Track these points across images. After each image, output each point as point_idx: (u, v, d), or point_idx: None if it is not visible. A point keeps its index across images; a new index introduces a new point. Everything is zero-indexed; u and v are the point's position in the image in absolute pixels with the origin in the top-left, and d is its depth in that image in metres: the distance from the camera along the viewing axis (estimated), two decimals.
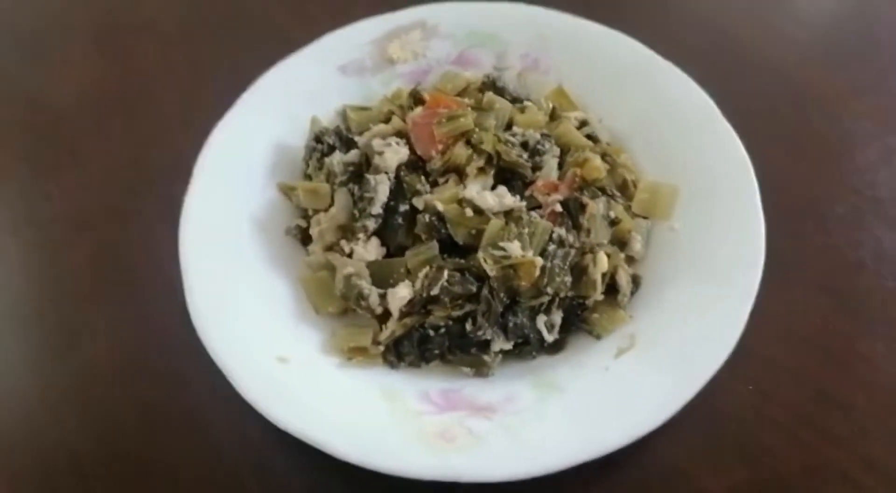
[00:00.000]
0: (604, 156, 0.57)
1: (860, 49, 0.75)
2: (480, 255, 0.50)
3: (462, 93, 0.62)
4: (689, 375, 0.47)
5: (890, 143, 0.67)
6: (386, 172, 0.54)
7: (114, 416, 0.53)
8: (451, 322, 0.51)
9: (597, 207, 0.53)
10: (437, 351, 0.52)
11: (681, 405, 0.46)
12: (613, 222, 0.55)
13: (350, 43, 0.64)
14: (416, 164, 0.56)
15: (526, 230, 0.51)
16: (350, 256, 0.54)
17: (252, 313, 0.51)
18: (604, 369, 0.49)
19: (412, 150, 0.56)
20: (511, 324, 0.51)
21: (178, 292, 0.51)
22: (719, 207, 0.54)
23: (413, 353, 0.51)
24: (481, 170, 0.54)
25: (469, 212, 0.52)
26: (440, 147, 0.55)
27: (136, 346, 0.56)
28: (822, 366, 0.55)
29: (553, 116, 0.60)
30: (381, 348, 0.52)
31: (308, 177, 0.59)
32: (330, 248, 0.56)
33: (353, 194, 0.55)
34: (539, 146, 0.55)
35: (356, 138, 0.58)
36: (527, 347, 0.52)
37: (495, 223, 0.51)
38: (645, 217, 0.57)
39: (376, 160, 0.54)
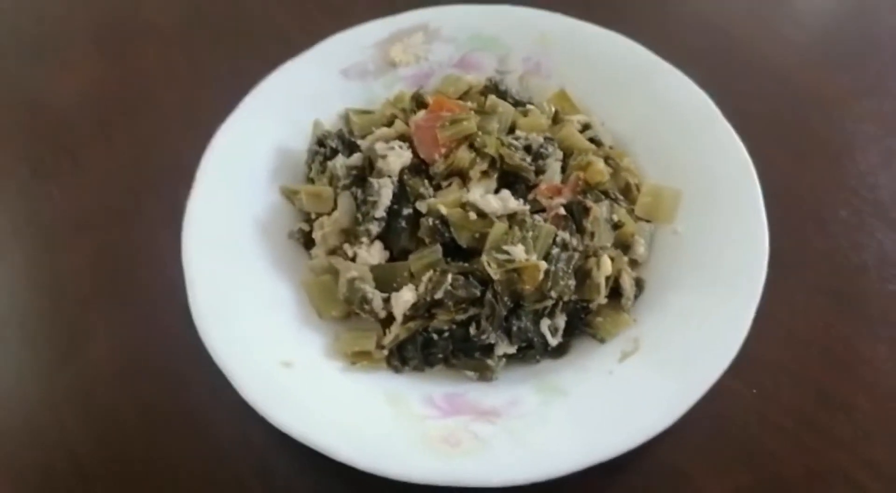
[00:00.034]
0: (606, 159, 0.57)
1: (860, 51, 0.75)
2: (484, 258, 0.50)
3: (464, 96, 0.62)
4: (693, 379, 0.47)
5: (891, 145, 0.67)
6: (389, 176, 0.54)
7: (115, 418, 0.53)
8: (454, 326, 0.51)
9: (600, 210, 0.53)
10: (440, 355, 0.52)
11: (685, 410, 0.46)
12: (616, 226, 0.55)
13: (352, 46, 0.64)
14: (419, 167, 0.56)
15: (530, 234, 0.51)
16: (353, 259, 0.54)
17: (255, 317, 0.51)
18: (607, 373, 0.49)
19: (415, 153, 0.56)
20: (515, 328, 0.51)
21: (180, 295, 0.51)
22: (722, 211, 0.54)
23: (417, 357, 0.51)
24: (485, 173, 0.54)
25: (472, 215, 0.52)
26: (443, 151, 0.54)
27: (137, 348, 0.56)
28: (824, 369, 0.55)
29: (556, 120, 0.60)
30: (385, 352, 0.52)
31: (311, 180, 0.59)
32: (333, 251, 0.55)
33: (356, 198, 0.55)
34: (542, 150, 0.55)
35: (359, 142, 0.58)
36: (530, 351, 0.52)
37: (499, 227, 0.51)
38: (648, 221, 0.57)
39: (379, 164, 0.54)
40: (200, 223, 0.53)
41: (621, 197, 0.57)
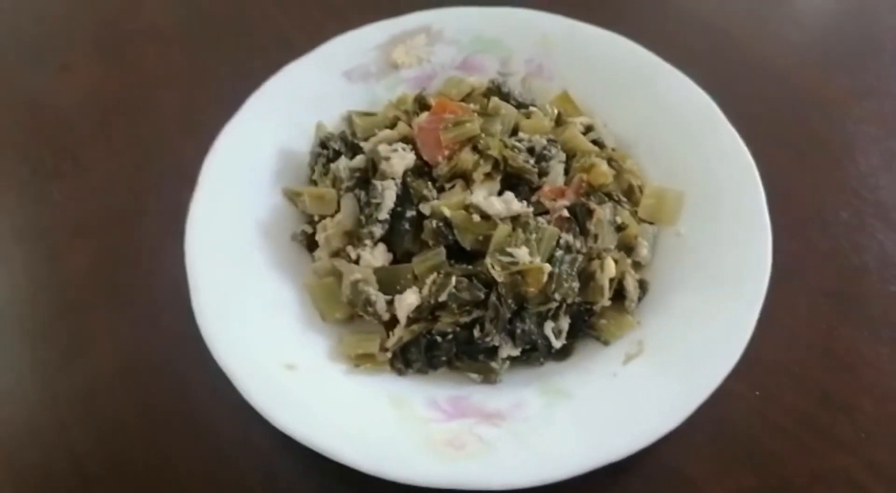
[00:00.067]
0: (609, 161, 0.57)
1: (861, 52, 0.76)
2: (488, 261, 0.50)
3: (467, 98, 0.62)
4: (698, 381, 0.47)
5: (892, 146, 0.67)
6: (392, 178, 0.54)
7: (117, 420, 0.53)
8: (458, 329, 0.51)
9: (603, 212, 0.53)
10: (444, 358, 0.52)
11: (690, 412, 0.46)
12: (620, 228, 0.55)
13: (355, 48, 0.64)
14: (422, 169, 0.55)
15: (533, 236, 0.51)
16: (356, 262, 0.54)
17: (258, 320, 0.51)
18: (612, 376, 0.49)
19: (418, 155, 0.56)
20: (519, 330, 0.51)
21: (182, 297, 0.51)
22: (725, 213, 0.54)
23: (420, 359, 0.51)
24: (488, 175, 0.54)
25: (476, 218, 0.52)
26: (446, 153, 0.54)
27: (138, 349, 0.56)
28: (826, 370, 0.55)
29: (558, 122, 0.60)
30: (389, 354, 0.52)
31: (313, 182, 0.59)
32: (336, 254, 0.55)
33: (359, 200, 0.55)
34: (545, 152, 0.55)
35: (362, 144, 0.58)
36: (534, 353, 0.52)
37: (503, 229, 0.51)
38: (651, 222, 0.57)
39: (383, 166, 0.54)
40: (203, 225, 0.53)
41: (624, 199, 0.57)
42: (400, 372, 0.51)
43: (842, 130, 0.69)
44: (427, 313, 0.51)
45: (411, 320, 0.51)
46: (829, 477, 0.51)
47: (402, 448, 0.46)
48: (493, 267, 0.50)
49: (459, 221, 0.52)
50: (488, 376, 0.51)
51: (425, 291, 0.51)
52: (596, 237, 0.53)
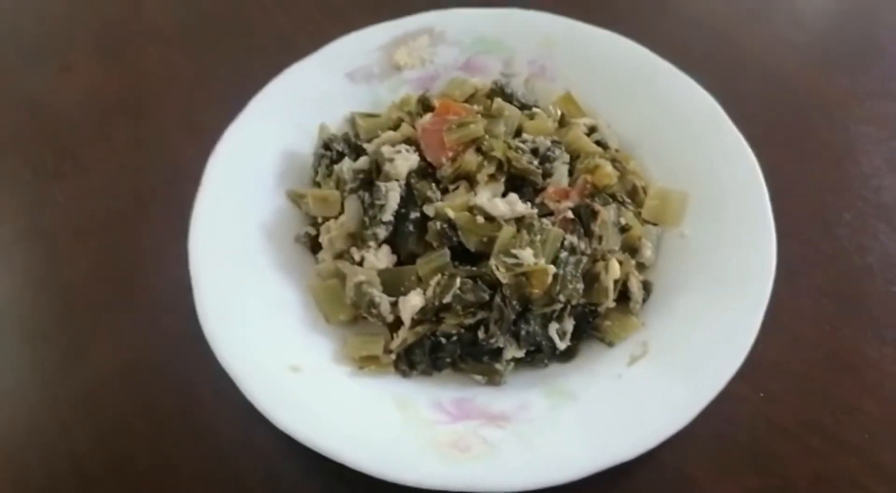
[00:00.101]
0: (613, 162, 0.57)
1: (863, 53, 0.76)
2: (493, 262, 0.50)
3: (470, 99, 0.62)
4: (703, 383, 0.47)
5: (895, 147, 0.67)
6: (396, 180, 0.54)
7: (119, 422, 0.53)
8: (462, 330, 0.51)
9: (608, 213, 0.53)
10: (448, 359, 0.51)
11: (695, 414, 0.46)
12: (624, 229, 0.55)
13: (357, 49, 0.64)
14: (426, 171, 0.55)
15: (538, 238, 0.51)
16: (360, 263, 0.54)
17: (262, 322, 0.51)
18: (616, 377, 0.49)
19: (422, 157, 0.55)
20: (523, 332, 0.51)
21: (184, 299, 0.51)
22: (729, 214, 0.54)
23: (425, 361, 0.51)
24: (492, 177, 0.54)
25: (480, 219, 0.52)
26: (450, 154, 0.54)
27: (141, 351, 0.56)
28: (830, 372, 0.55)
29: (562, 123, 0.60)
30: (393, 356, 0.51)
31: (317, 184, 0.59)
32: (340, 256, 0.55)
33: (363, 202, 0.55)
34: (549, 153, 0.55)
35: (365, 145, 0.58)
36: (539, 354, 0.52)
37: (507, 231, 0.51)
38: (655, 224, 0.57)
39: (387, 167, 0.54)
40: (207, 227, 0.53)
41: (628, 200, 0.57)
42: (404, 374, 0.51)
43: (844, 131, 0.69)
44: (431, 314, 0.51)
45: (415, 322, 0.51)
46: (833, 479, 0.51)
47: (406, 450, 0.46)
48: (497, 268, 0.50)
49: (463, 223, 0.52)
50: (493, 378, 0.51)
51: (429, 292, 0.51)
52: (600, 239, 0.53)
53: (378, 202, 0.53)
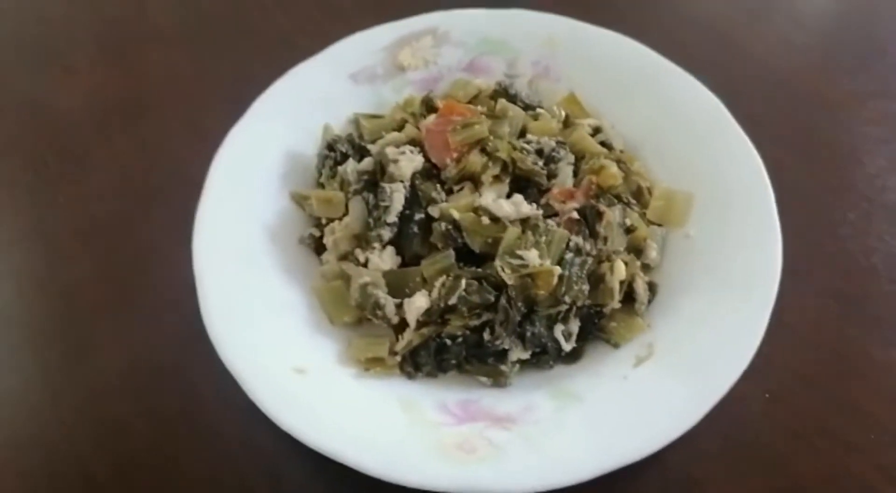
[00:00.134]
0: (618, 163, 0.57)
1: (866, 54, 0.75)
2: (498, 263, 0.50)
3: (474, 100, 0.62)
4: (709, 384, 0.46)
5: None
6: (401, 181, 0.54)
7: (124, 426, 0.53)
8: (468, 332, 0.51)
9: (613, 214, 0.53)
10: (453, 361, 0.51)
11: (701, 416, 0.45)
12: (629, 230, 0.54)
13: (361, 50, 0.64)
14: (430, 172, 0.55)
15: (543, 239, 0.51)
16: (365, 265, 0.54)
17: (267, 324, 0.51)
18: (622, 379, 0.49)
19: (426, 158, 0.55)
20: (528, 333, 0.51)
21: (189, 301, 0.51)
22: (734, 215, 0.54)
23: (430, 363, 0.51)
24: (496, 178, 0.54)
25: (485, 220, 0.52)
26: (455, 155, 0.54)
27: (145, 354, 0.56)
28: (836, 373, 0.55)
29: (566, 124, 0.60)
30: (398, 358, 0.51)
31: (321, 185, 0.59)
32: (344, 257, 0.55)
33: (367, 203, 0.54)
34: (554, 154, 0.55)
35: (369, 147, 0.58)
36: (544, 356, 0.52)
37: (512, 232, 0.51)
38: (660, 224, 0.56)
39: (391, 168, 0.54)
40: (211, 228, 0.53)
41: (633, 201, 0.57)
42: (409, 376, 0.51)
43: (847, 131, 0.69)
44: (436, 316, 0.51)
45: (421, 324, 0.51)
46: (840, 480, 0.50)
47: (411, 452, 0.45)
48: (502, 270, 0.50)
49: (468, 224, 0.52)
50: (498, 380, 0.51)
51: (435, 294, 0.51)
52: (605, 240, 0.53)
53: (382, 204, 0.53)
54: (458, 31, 0.65)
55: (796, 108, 0.71)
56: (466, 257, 0.52)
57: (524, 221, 0.52)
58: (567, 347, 0.51)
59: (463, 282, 0.50)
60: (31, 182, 0.66)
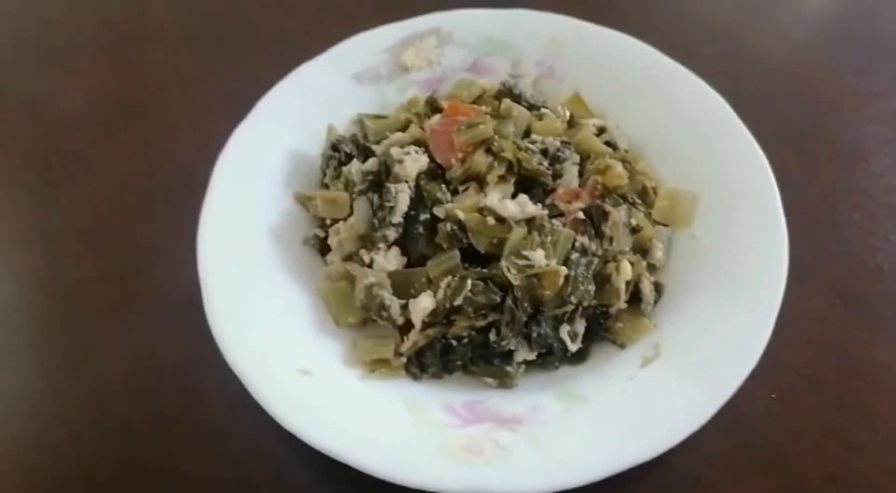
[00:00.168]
0: (623, 163, 0.56)
1: (870, 54, 0.75)
2: (504, 264, 0.50)
3: (478, 100, 0.62)
4: (716, 385, 0.46)
5: None
6: (406, 181, 0.54)
7: (128, 428, 0.53)
8: (473, 333, 0.51)
9: (619, 214, 0.53)
10: (459, 362, 0.51)
11: (708, 417, 0.45)
12: (634, 230, 0.54)
13: (364, 50, 0.64)
14: (435, 172, 0.55)
15: (549, 239, 0.50)
16: (370, 266, 0.54)
17: (271, 324, 0.51)
18: (629, 379, 0.49)
19: (431, 158, 0.55)
20: (534, 334, 0.50)
21: (193, 303, 0.51)
22: (740, 215, 0.54)
23: (436, 364, 0.51)
24: (502, 178, 0.54)
25: (491, 220, 0.52)
26: (460, 155, 0.54)
27: (148, 356, 0.56)
28: (842, 373, 0.55)
29: (571, 123, 0.60)
30: (404, 359, 0.51)
31: (325, 186, 0.59)
32: (349, 258, 0.55)
33: (372, 203, 0.54)
34: (559, 154, 0.55)
35: (374, 147, 0.57)
36: (550, 357, 0.51)
37: (518, 232, 0.51)
38: (665, 225, 0.56)
39: (396, 169, 0.54)
40: (215, 229, 0.53)
41: (639, 201, 0.56)
42: (415, 377, 0.51)
43: (852, 131, 0.69)
44: (442, 317, 0.51)
45: (426, 325, 0.51)
46: (846, 481, 0.50)
47: (418, 454, 0.45)
48: (508, 270, 0.49)
49: (474, 224, 0.52)
50: (504, 381, 0.51)
51: (440, 294, 0.51)
52: (611, 240, 0.52)
53: (388, 204, 0.53)
54: (461, 31, 0.65)
55: (800, 108, 0.71)
56: (472, 257, 0.52)
57: (529, 222, 0.52)
58: (573, 347, 0.51)
59: (469, 282, 0.50)
60: (33, 183, 0.66)
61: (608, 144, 0.59)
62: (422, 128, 0.57)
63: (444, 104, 0.59)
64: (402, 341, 0.52)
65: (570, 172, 0.55)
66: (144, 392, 0.54)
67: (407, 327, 0.52)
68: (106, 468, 0.51)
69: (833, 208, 0.63)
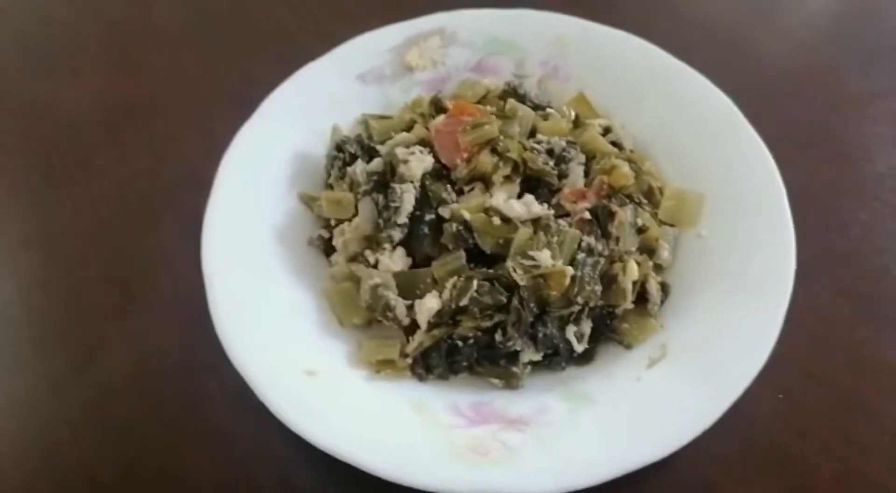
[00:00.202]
0: (629, 163, 0.56)
1: (875, 53, 0.75)
2: (510, 264, 0.50)
3: (482, 100, 0.62)
4: (723, 386, 0.46)
5: None
6: (411, 181, 0.53)
7: (133, 429, 0.53)
8: (479, 333, 0.50)
9: (625, 214, 0.53)
10: (465, 363, 0.51)
11: (716, 418, 0.45)
12: (641, 230, 0.54)
13: (368, 51, 0.64)
14: (440, 172, 0.55)
15: (555, 239, 0.50)
16: (375, 266, 0.54)
17: (276, 325, 0.51)
18: (635, 380, 0.49)
19: (436, 158, 0.55)
20: (540, 334, 0.50)
21: (197, 305, 0.50)
22: (746, 215, 0.54)
23: (441, 365, 0.51)
24: (507, 178, 0.54)
25: (496, 221, 0.52)
26: (465, 155, 0.54)
27: (153, 357, 0.56)
28: (849, 373, 0.55)
29: (576, 123, 0.60)
30: (409, 360, 0.51)
31: (329, 186, 0.59)
32: (354, 258, 0.55)
33: (377, 204, 0.54)
34: (565, 153, 0.55)
35: (378, 147, 0.57)
36: (556, 357, 0.51)
37: (524, 232, 0.50)
38: (671, 225, 0.56)
39: (401, 169, 0.54)
40: (220, 230, 0.53)
41: (645, 201, 0.56)
42: (420, 378, 0.51)
43: (857, 131, 0.69)
44: (448, 317, 0.51)
45: (432, 325, 0.51)
46: (853, 481, 0.50)
47: (424, 454, 0.45)
48: (514, 270, 0.49)
49: (479, 225, 0.51)
50: (510, 382, 0.51)
51: (446, 295, 0.50)
52: (618, 240, 0.52)
53: (393, 204, 0.53)
54: (465, 31, 0.65)
55: (805, 107, 0.70)
56: (477, 257, 0.52)
57: (535, 222, 0.52)
58: (579, 348, 0.51)
59: (474, 283, 0.50)
60: (36, 184, 0.66)
61: (614, 143, 0.59)
62: (426, 128, 0.57)
63: (449, 104, 0.59)
64: (408, 341, 0.52)
65: (576, 172, 0.55)
66: (148, 393, 0.54)
67: (412, 327, 0.52)
68: (108, 469, 0.51)
69: (838, 208, 0.63)
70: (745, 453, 0.51)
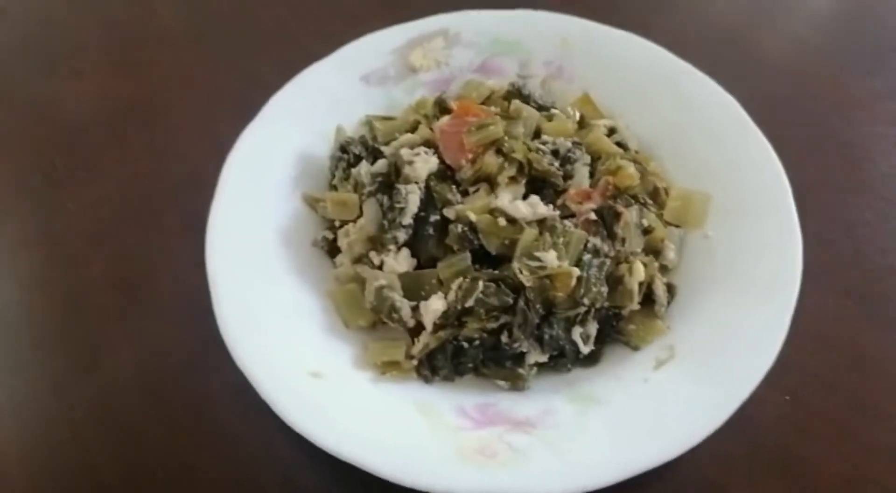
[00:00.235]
0: (634, 163, 0.56)
1: (879, 54, 0.75)
2: (515, 265, 0.49)
3: (486, 101, 0.62)
4: (731, 388, 0.46)
5: None
6: (416, 182, 0.53)
7: (137, 431, 0.53)
8: (485, 335, 0.50)
9: (631, 215, 0.53)
10: (470, 364, 0.51)
11: (724, 420, 0.45)
12: (646, 231, 0.54)
13: (372, 52, 0.63)
14: (445, 173, 0.55)
15: (561, 240, 0.50)
16: (380, 267, 0.53)
17: (281, 327, 0.51)
18: (643, 382, 0.49)
19: (441, 159, 0.55)
20: (546, 336, 0.50)
21: (200, 306, 0.50)
22: (752, 216, 0.54)
23: (447, 366, 0.50)
24: (512, 179, 0.54)
25: (502, 222, 0.51)
26: (470, 156, 0.54)
27: (158, 360, 0.56)
28: (856, 374, 0.54)
29: (581, 124, 0.60)
30: (415, 361, 0.51)
31: (333, 187, 0.58)
32: (358, 260, 0.55)
33: (381, 205, 0.54)
34: (570, 154, 0.55)
35: (383, 148, 0.57)
36: (562, 359, 0.51)
37: (529, 233, 0.50)
38: (677, 225, 0.56)
39: (406, 170, 0.54)
40: (224, 232, 0.53)
41: (650, 202, 0.56)
42: (426, 379, 0.51)
43: (861, 131, 0.69)
44: (453, 319, 0.50)
45: (437, 327, 0.51)
46: (860, 483, 0.50)
47: (430, 457, 0.45)
48: (520, 271, 0.49)
49: (485, 226, 0.51)
50: (516, 383, 0.50)
51: (451, 296, 0.50)
52: (623, 241, 0.52)
53: (398, 205, 0.53)
54: (469, 32, 0.65)
55: (811, 108, 0.70)
56: (483, 259, 0.52)
57: (541, 223, 0.52)
58: (585, 349, 0.51)
59: (480, 284, 0.50)
60: (39, 186, 0.66)
61: (619, 144, 0.59)
62: (431, 129, 0.57)
63: (453, 105, 0.58)
64: (413, 343, 0.52)
65: (581, 172, 0.54)
66: (150, 393, 0.54)
67: (418, 329, 0.52)
68: (110, 469, 0.51)
69: (844, 209, 0.63)
70: (751, 454, 0.51)
